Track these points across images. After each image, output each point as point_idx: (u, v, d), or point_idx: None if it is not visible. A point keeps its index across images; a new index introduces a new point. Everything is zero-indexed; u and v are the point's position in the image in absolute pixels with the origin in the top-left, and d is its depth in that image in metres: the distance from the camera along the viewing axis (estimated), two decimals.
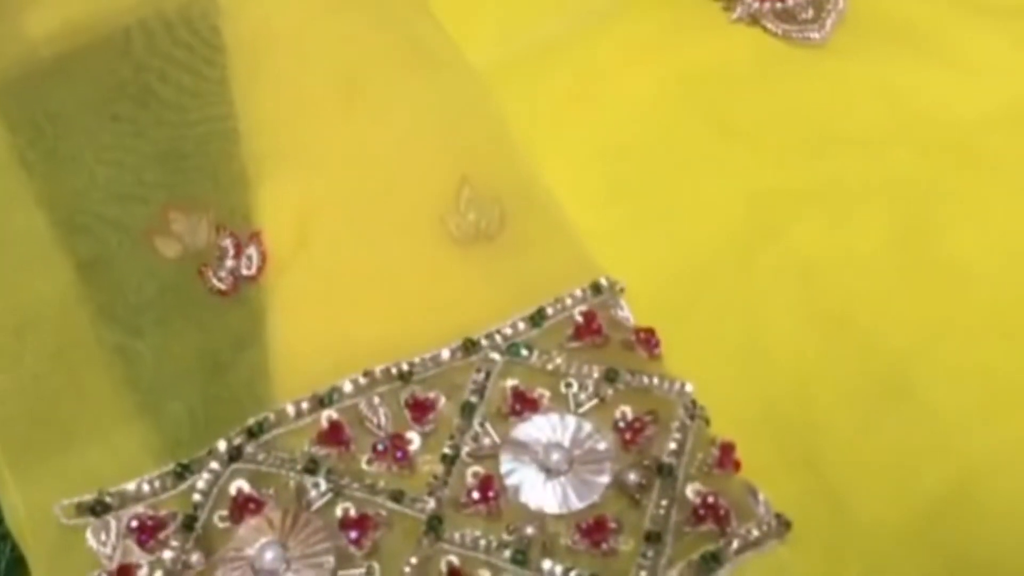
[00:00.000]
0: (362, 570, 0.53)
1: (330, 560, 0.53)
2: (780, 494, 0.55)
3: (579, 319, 0.61)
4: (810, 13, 0.76)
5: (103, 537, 0.55)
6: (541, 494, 0.56)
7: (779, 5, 0.76)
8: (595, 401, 0.58)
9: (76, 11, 0.73)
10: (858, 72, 0.73)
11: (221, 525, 0.55)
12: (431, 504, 0.55)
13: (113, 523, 0.55)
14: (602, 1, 0.76)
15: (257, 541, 0.54)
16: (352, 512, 0.55)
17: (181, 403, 0.59)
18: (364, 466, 0.57)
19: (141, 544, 0.54)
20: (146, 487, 0.56)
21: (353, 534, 0.54)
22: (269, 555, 0.53)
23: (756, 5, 0.76)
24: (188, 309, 0.62)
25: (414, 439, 0.57)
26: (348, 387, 0.59)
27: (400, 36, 0.72)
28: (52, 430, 0.59)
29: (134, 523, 0.55)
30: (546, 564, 0.53)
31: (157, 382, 0.60)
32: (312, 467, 0.56)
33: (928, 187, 0.68)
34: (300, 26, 0.72)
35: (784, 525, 0.54)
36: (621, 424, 0.57)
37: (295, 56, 0.71)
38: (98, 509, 0.55)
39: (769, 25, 0.76)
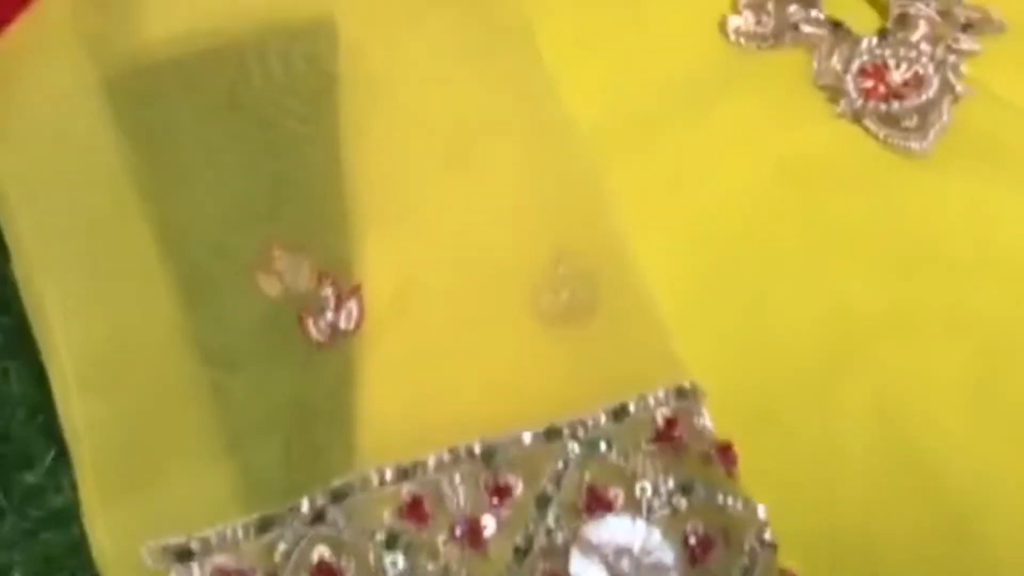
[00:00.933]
0: None
1: None
2: None
3: (660, 423, 0.62)
4: (915, 121, 0.75)
5: None
6: None
7: (883, 107, 0.75)
8: (667, 511, 0.60)
9: (196, 17, 0.72)
10: (953, 191, 0.73)
11: None
12: None
13: (196, 570, 0.57)
14: (710, 80, 0.76)
15: None
16: None
17: (267, 449, 0.61)
18: (440, 547, 0.58)
19: None
20: (228, 535, 0.58)
21: None
22: None
23: (860, 102, 0.76)
24: (283, 353, 0.63)
25: (489, 524, 0.59)
26: (432, 462, 0.60)
27: (512, 98, 0.72)
28: (144, 463, 0.60)
29: (216, 573, 0.57)
30: None
31: (246, 423, 0.61)
32: (392, 542, 0.58)
33: (1010, 324, 0.68)
34: (415, 80, 0.71)
35: None
36: (691, 539, 0.59)
37: (406, 110, 0.70)
38: (183, 555, 0.57)
39: (871, 126, 0.75)
